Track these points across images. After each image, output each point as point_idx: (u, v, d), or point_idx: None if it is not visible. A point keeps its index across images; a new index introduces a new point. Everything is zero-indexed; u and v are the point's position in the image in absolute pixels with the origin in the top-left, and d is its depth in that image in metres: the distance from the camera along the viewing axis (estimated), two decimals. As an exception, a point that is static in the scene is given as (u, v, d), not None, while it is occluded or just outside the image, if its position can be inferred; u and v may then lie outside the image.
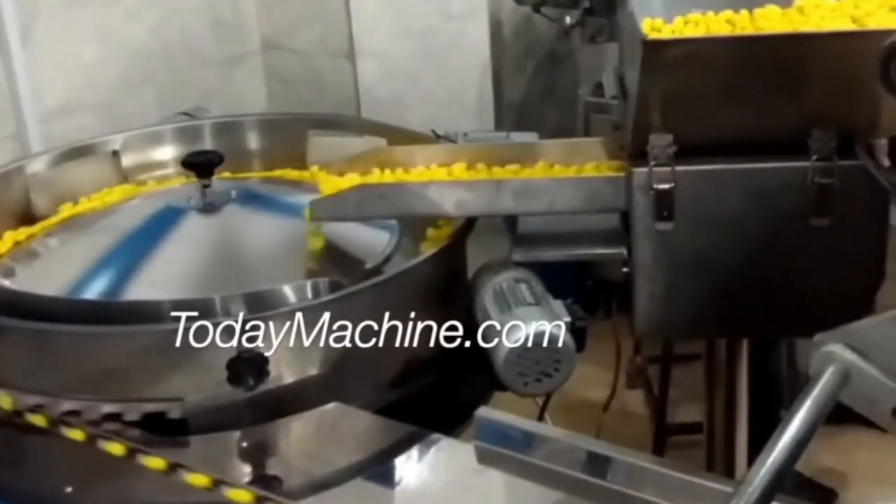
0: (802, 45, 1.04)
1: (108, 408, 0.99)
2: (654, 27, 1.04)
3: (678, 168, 1.08)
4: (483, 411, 1.00)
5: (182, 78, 1.82)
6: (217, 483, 0.92)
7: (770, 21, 1.10)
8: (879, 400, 0.75)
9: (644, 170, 1.09)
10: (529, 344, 1.04)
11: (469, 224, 1.20)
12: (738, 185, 1.09)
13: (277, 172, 1.41)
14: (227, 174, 1.33)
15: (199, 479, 0.92)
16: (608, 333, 1.77)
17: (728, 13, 1.12)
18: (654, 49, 1.01)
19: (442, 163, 1.22)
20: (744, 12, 1.12)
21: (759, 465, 0.66)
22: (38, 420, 1.00)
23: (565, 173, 1.19)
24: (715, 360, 1.40)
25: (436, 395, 1.13)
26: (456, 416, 1.08)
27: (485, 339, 1.09)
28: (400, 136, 1.37)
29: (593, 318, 1.73)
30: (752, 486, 0.65)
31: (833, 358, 0.75)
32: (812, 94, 1.06)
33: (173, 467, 0.93)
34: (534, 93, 2.45)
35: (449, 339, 1.16)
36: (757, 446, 1.41)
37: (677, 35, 1.04)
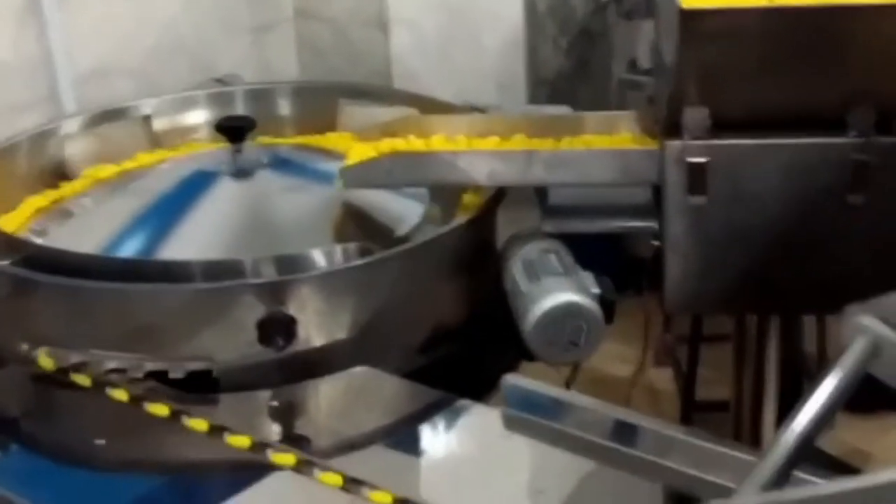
0: (842, 17, 1.02)
1: (138, 364, 1.01)
2: (692, -5, 1.02)
3: (713, 142, 1.07)
4: (511, 378, 1.00)
5: (214, 45, 1.82)
6: (252, 442, 0.93)
7: (808, -3, 1.08)
8: (911, 373, 0.74)
9: (678, 143, 1.08)
10: (558, 313, 1.03)
11: (500, 194, 1.20)
12: (773, 160, 1.08)
13: (308, 139, 1.41)
14: (258, 140, 1.34)
15: (235, 440, 0.93)
16: (638, 311, 1.76)
17: (767, -15, 1.10)
18: (691, 18, 1.00)
19: (474, 133, 1.22)
20: (784, -15, 1.10)
21: (784, 432, 0.66)
22: (67, 375, 1.02)
23: (598, 145, 1.18)
24: (744, 336, 1.38)
25: (463, 363, 1.14)
26: (483, 384, 1.08)
27: (513, 308, 1.09)
28: (432, 106, 1.37)
29: (623, 296, 1.73)
30: (778, 451, 0.65)
31: (864, 330, 0.74)
32: (851, 69, 1.04)
33: (204, 424, 0.95)
34: (567, 70, 2.43)
35: (478, 308, 1.16)
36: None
37: (714, 5, 1.03)
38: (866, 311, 0.76)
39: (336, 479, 0.87)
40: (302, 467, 0.89)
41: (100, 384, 0.99)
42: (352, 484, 0.86)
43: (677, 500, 0.60)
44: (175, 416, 0.95)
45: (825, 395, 0.69)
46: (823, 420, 0.68)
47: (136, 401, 0.97)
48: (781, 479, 0.63)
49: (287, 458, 0.90)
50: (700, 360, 1.94)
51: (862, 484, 0.54)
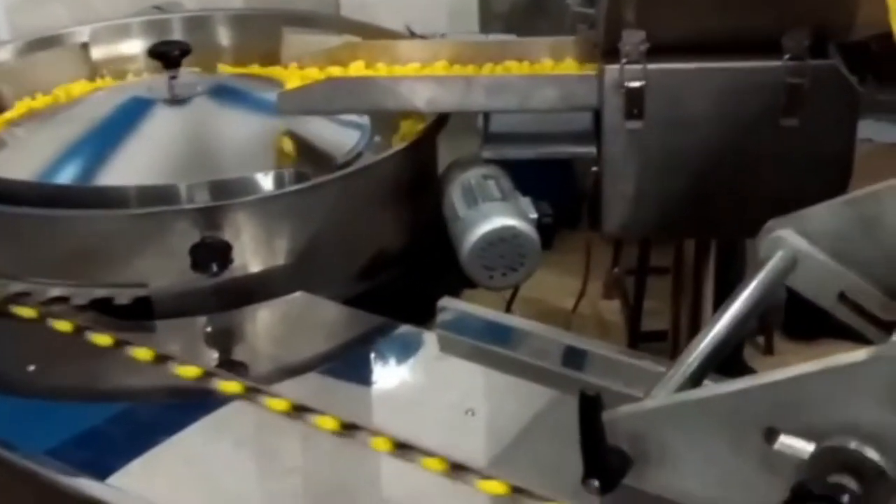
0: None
1: (71, 291, 1.00)
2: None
3: (650, 66, 1.08)
4: (446, 301, 1.01)
5: (157, -27, 1.77)
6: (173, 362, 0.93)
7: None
8: (826, 284, 0.76)
9: (616, 67, 1.08)
10: (495, 237, 1.04)
11: (441, 120, 1.20)
12: (709, 84, 1.08)
13: (249, 69, 1.39)
14: (197, 70, 1.31)
15: (188, 372, 0.93)
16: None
17: None
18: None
19: (416, 59, 1.21)
20: None
21: (698, 340, 0.68)
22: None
23: (538, 70, 1.18)
24: (682, 267, 1.41)
25: (404, 290, 1.14)
26: (424, 311, 1.09)
27: (452, 234, 1.09)
28: (378, 34, 1.35)
29: (574, 231, 1.74)
30: (692, 356, 0.66)
31: (782, 243, 0.76)
32: (787, -9, 1.04)
33: (129, 347, 0.95)
34: (521, 4, 2.40)
35: (419, 235, 1.16)
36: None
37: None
38: (785, 225, 0.77)
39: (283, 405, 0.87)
40: (248, 394, 0.89)
41: (20, 309, 0.99)
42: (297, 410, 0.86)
43: (591, 403, 0.61)
44: (78, 332, 0.95)
45: (740, 305, 0.71)
46: (737, 330, 0.70)
47: (41, 319, 0.97)
48: (693, 383, 0.65)
49: (232, 385, 0.90)
50: (648, 292, 1.97)
51: (763, 381, 0.56)
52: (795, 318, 1.92)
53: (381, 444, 0.83)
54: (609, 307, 2.10)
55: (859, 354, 0.54)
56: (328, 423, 0.85)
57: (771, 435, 0.56)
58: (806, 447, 0.55)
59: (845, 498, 0.51)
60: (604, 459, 0.60)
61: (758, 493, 0.58)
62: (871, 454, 0.53)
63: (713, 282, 1.38)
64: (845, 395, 0.53)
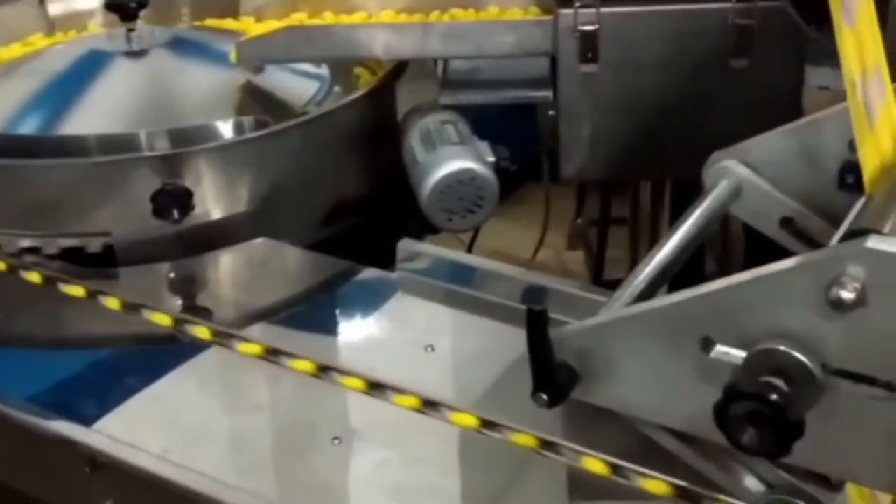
0: None
1: (40, 242, 1.01)
2: None
3: (603, 10, 1.09)
4: (406, 242, 1.03)
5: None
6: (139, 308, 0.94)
7: None
8: (768, 211, 0.79)
9: (570, 11, 1.10)
10: (453, 180, 1.06)
11: (399, 68, 1.21)
12: (662, 26, 1.10)
13: (208, 22, 1.39)
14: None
15: (160, 319, 0.93)
16: (553, 199, 1.79)
17: None
18: None
19: (363, 9, 1.21)
20: None
21: (645, 264, 0.70)
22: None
23: (493, 16, 1.19)
24: (639, 215, 1.44)
25: (366, 236, 1.16)
26: (385, 258, 1.11)
27: (411, 179, 1.11)
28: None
29: (539, 183, 1.75)
30: (638, 278, 0.69)
31: (727, 172, 0.78)
32: (735, -69, 1.06)
33: (95, 295, 0.96)
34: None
35: (381, 181, 1.18)
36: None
37: None
38: (729, 156, 0.80)
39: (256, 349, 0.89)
40: (221, 339, 0.90)
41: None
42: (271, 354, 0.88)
43: (537, 318, 0.64)
44: (48, 282, 0.96)
45: (685, 230, 0.73)
46: (683, 255, 0.72)
47: (12, 270, 0.97)
48: (641, 301, 0.67)
49: (204, 331, 0.91)
50: (611, 242, 2.00)
51: (699, 291, 0.58)
52: (754, 260, 1.96)
53: (353, 383, 0.84)
54: (573, 258, 2.12)
55: (788, 262, 0.56)
56: (304, 365, 0.86)
57: (707, 345, 0.59)
58: (740, 355, 0.58)
59: (774, 396, 0.54)
60: (552, 374, 0.63)
61: (696, 402, 0.61)
62: (800, 357, 0.56)
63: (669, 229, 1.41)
64: (776, 302, 0.56)
